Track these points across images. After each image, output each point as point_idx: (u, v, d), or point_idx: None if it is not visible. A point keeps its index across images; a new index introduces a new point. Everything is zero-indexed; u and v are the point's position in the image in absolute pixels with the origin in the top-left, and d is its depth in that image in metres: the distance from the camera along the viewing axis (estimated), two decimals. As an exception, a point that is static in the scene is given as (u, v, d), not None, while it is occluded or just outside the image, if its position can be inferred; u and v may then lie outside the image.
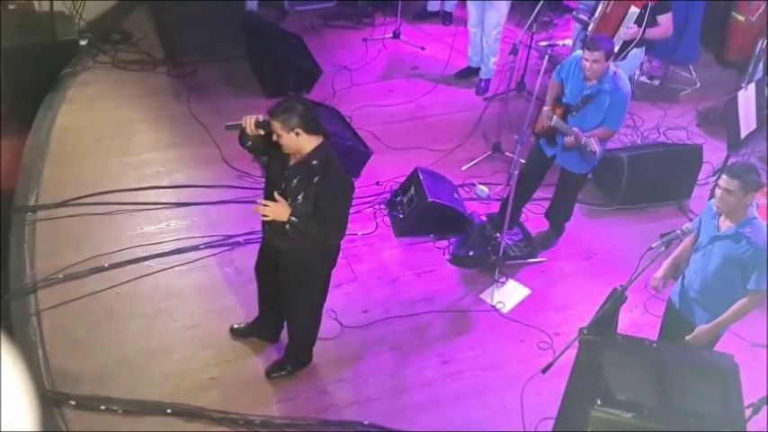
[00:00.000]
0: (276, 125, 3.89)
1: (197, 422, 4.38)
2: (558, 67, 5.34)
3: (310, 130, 3.92)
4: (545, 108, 5.28)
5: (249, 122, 4.01)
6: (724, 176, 3.95)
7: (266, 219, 4.00)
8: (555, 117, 5.17)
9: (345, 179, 4.08)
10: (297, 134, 3.89)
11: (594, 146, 4.92)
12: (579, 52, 5.14)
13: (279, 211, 3.95)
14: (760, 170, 4.11)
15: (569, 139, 5.06)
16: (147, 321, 4.91)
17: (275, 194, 4.00)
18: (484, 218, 5.88)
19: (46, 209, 5.55)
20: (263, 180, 4.31)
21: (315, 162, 3.96)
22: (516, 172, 5.22)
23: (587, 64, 4.95)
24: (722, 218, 4.06)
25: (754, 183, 3.93)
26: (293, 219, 3.94)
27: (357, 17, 8.14)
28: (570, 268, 5.68)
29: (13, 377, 1.78)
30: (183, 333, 4.87)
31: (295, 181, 3.99)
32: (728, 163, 5.60)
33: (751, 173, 3.95)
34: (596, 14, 5.99)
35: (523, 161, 5.61)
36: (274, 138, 3.95)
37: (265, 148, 4.11)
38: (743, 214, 3.99)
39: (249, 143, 4.14)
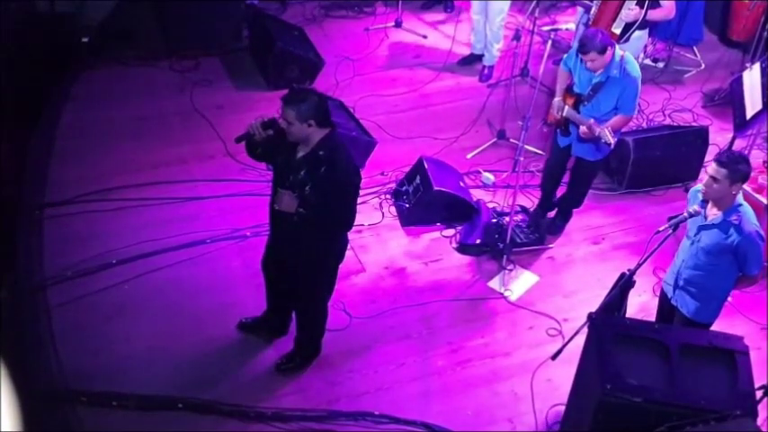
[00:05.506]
0: (290, 114, 3.87)
1: (208, 415, 4.41)
2: (565, 56, 5.32)
3: (321, 122, 3.93)
4: (556, 99, 5.26)
5: (257, 127, 3.98)
6: (713, 164, 3.94)
7: (276, 208, 4.02)
8: (567, 107, 5.15)
9: (352, 170, 4.08)
10: (309, 125, 3.89)
11: (609, 137, 4.89)
12: None
13: (286, 202, 3.96)
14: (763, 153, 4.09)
15: (584, 130, 5.04)
16: (156, 316, 4.93)
17: (279, 190, 4.01)
18: (491, 205, 5.87)
19: (53, 207, 5.57)
20: (270, 173, 4.31)
21: (321, 153, 3.96)
22: (521, 158, 5.21)
23: (587, 63, 4.95)
24: (709, 205, 4.04)
25: (742, 173, 3.91)
26: (300, 210, 3.95)
27: (358, 7, 8.11)
28: (578, 254, 5.67)
29: None
30: (192, 327, 4.88)
31: (302, 173, 3.99)
32: (722, 151, 5.59)
33: (740, 163, 3.92)
34: (598, -3, 5.97)
35: (541, 152, 5.61)
36: (282, 125, 3.93)
37: (274, 151, 4.10)
38: (729, 202, 3.97)
39: (258, 150, 4.13)
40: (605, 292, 4.50)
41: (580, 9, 6.54)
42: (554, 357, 4.63)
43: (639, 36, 6.07)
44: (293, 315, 4.67)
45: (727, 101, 6.37)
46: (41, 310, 4.86)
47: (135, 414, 4.37)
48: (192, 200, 5.77)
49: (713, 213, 4.02)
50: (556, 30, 6.11)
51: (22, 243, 5.30)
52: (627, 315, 4.61)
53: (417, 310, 5.16)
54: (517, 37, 6.13)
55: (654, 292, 5.21)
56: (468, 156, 6.38)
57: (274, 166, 4.22)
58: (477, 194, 5.96)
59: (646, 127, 6.63)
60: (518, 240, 5.58)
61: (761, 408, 3.76)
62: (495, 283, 5.36)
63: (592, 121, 5.01)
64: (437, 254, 5.57)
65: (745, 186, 4.65)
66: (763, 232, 4.02)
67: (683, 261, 4.20)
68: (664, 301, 4.45)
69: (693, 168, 6.19)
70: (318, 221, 4.01)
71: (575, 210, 5.78)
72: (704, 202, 4.04)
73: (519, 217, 5.69)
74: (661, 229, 4.07)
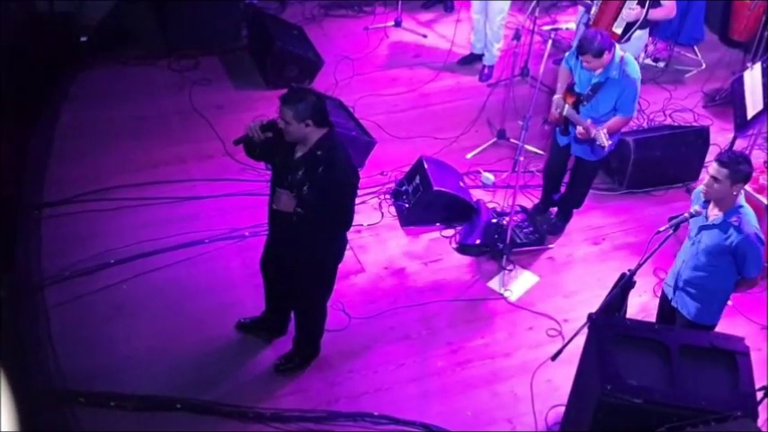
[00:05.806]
0: (287, 113, 3.86)
1: (208, 416, 4.39)
2: (567, 54, 5.32)
3: (319, 122, 3.91)
4: (556, 96, 5.25)
5: (255, 129, 3.97)
6: (714, 164, 3.93)
7: (274, 208, 4.01)
8: (567, 106, 5.14)
9: (350, 169, 4.07)
10: (306, 125, 3.88)
11: (604, 140, 4.89)
12: None
13: (284, 202, 3.95)
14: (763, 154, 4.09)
15: (581, 131, 5.04)
16: (155, 316, 4.92)
17: (277, 189, 4.00)
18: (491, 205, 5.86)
19: (51, 206, 5.56)
20: (269, 173, 4.31)
21: (319, 152, 3.95)
22: (521, 158, 5.20)
23: (585, 65, 4.94)
24: (711, 206, 4.04)
25: (744, 174, 3.90)
26: (299, 210, 3.94)
27: (358, 6, 8.10)
28: (578, 254, 5.65)
29: None
30: (191, 327, 4.87)
31: (300, 172, 3.98)
32: (724, 151, 5.59)
33: (742, 163, 3.91)
34: (598, -4, 5.95)
35: (541, 152, 5.60)
36: (280, 125, 3.92)
37: (272, 151, 4.09)
38: (730, 203, 3.96)
39: (257, 150, 4.12)
40: (605, 292, 4.49)
41: (581, 8, 6.53)
42: (554, 358, 4.62)
43: (640, 36, 6.06)
44: (292, 315, 4.66)
45: (728, 101, 6.35)
46: (40, 310, 4.85)
47: (134, 414, 4.36)
48: (191, 199, 5.76)
49: (714, 214, 4.02)
50: (556, 29, 6.10)
51: (22, 243, 5.29)
52: (627, 316, 4.60)
53: (417, 310, 5.14)
54: (517, 36, 6.11)
55: (654, 293, 5.20)
56: (468, 156, 6.37)
57: (273, 165, 4.21)
58: (476, 194, 5.95)
59: (646, 127, 6.62)
60: (518, 240, 5.57)
61: (761, 409, 3.76)
62: (494, 284, 5.35)
63: (589, 122, 5.01)
64: (437, 254, 5.56)
65: (746, 187, 4.63)
66: (762, 235, 4.00)
67: (684, 262, 4.20)
68: (664, 302, 4.45)
69: (694, 169, 6.17)
70: (317, 221, 4.01)
71: (575, 210, 5.77)
72: (706, 203, 4.04)
73: (519, 217, 5.68)
74: (662, 229, 4.06)
